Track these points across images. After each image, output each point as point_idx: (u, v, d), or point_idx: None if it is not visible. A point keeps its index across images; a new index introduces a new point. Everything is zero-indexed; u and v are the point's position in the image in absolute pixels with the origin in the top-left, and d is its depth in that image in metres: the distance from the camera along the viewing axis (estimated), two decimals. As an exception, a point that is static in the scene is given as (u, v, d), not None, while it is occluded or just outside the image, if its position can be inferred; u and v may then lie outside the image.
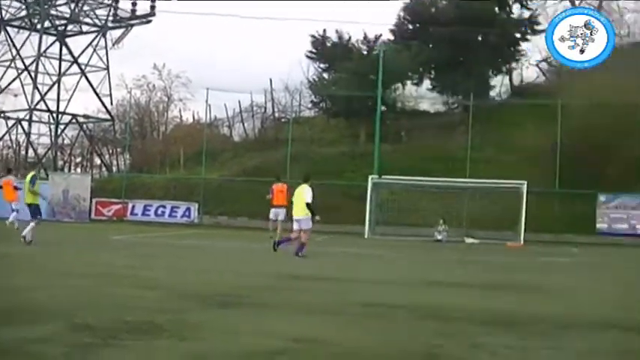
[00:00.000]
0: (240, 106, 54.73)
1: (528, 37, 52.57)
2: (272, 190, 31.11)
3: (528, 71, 70.52)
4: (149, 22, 58.78)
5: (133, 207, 45.04)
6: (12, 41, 57.87)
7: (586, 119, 42.03)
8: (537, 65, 60.17)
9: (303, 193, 21.69)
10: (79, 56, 58.82)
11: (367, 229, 36.40)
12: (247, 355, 7.08)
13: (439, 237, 36.24)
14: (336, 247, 27.53)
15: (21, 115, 58.00)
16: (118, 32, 60.03)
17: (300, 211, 21.69)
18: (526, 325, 9.57)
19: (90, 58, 58.64)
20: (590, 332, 9.27)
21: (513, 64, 53.94)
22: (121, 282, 12.94)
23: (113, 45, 59.67)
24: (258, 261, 20.67)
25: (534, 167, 43.10)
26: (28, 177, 22.64)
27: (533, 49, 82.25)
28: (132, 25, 59.47)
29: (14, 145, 60.23)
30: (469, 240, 35.99)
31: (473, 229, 38.26)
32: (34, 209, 21.96)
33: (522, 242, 35.46)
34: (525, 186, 37.23)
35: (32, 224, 21.19)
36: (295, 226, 22.04)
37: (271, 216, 30.77)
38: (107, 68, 58.79)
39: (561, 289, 14.86)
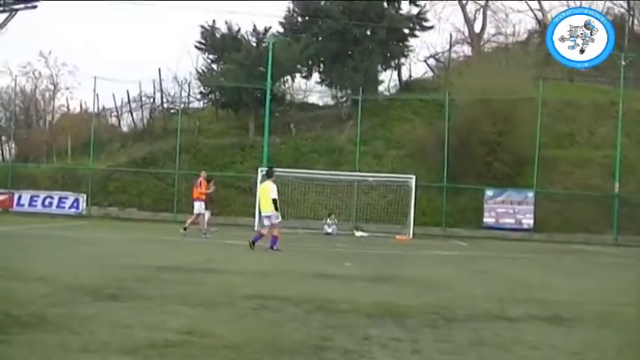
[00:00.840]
0: (128, 96, 53.98)
1: (417, 33, 53.11)
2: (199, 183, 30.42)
3: (417, 67, 71.04)
4: (35, 7, 57.20)
5: (19, 197, 44.02)
6: None
7: (473, 114, 42.86)
8: (425, 61, 61.03)
9: (270, 190, 22.29)
10: (-41, 41, 57.08)
11: (256, 221, 36.28)
12: (140, 348, 6.92)
13: (329, 230, 36.42)
14: (224, 239, 27.34)
15: None
16: (1, 17, 58.44)
17: (268, 207, 22.29)
18: (415, 317, 9.61)
19: (-28, 44, 57.06)
20: (477, 323, 9.36)
21: (402, 60, 54.41)
22: (6, 275, 12.54)
23: (-4, 30, 58.10)
24: (147, 253, 20.37)
25: (423, 162, 43.78)
26: None
27: (422, 45, 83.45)
28: (16, 10, 57.92)
29: None
30: (359, 233, 36.29)
31: (362, 222, 38.57)
32: None
33: (411, 236, 35.91)
34: (414, 180, 37.72)
35: None
36: (266, 222, 22.72)
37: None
38: (-10, 54, 57.30)
39: (449, 282, 15.02)
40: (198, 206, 29.41)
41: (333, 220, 37.02)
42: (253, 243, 22.10)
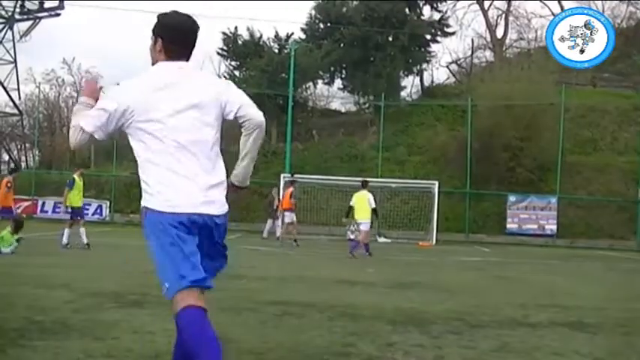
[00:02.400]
0: (151, 103, 54.10)
1: (439, 39, 53.13)
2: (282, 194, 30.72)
3: (439, 73, 70.91)
4: (58, 15, 57.65)
5: (43, 204, 44.21)
6: None
7: (495, 120, 42.74)
8: (447, 67, 61.01)
9: (367, 200, 24.27)
10: (-15, 49, 57.50)
11: (279, 228, 36.31)
12: (163, 354, 6.94)
13: (352, 236, 36.29)
14: (247, 245, 27.37)
15: None
16: (25, 25, 58.81)
17: (365, 215, 24.22)
18: (438, 323, 9.60)
19: (-4, 51, 57.38)
20: (500, 329, 9.34)
21: (424, 66, 54.39)
22: (31, 281, 12.62)
23: (21, 38, 58.45)
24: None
25: (445, 168, 43.73)
26: None
27: (444, 50, 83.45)
28: (40, 18, 58.30)
29: None
30: (381, 239, 36.17)
31: (385, 229, 38.51)
32: None
33: (434, 242, 35.81)
34: (437, 186, 37.64)
35: None
36: (363, 228, 24.45)
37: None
38: (15, 62, 57.54)
39: (472, 288, 14.99)
40: (290, 216, 29.56)
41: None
42: (352, 255, 23.52)
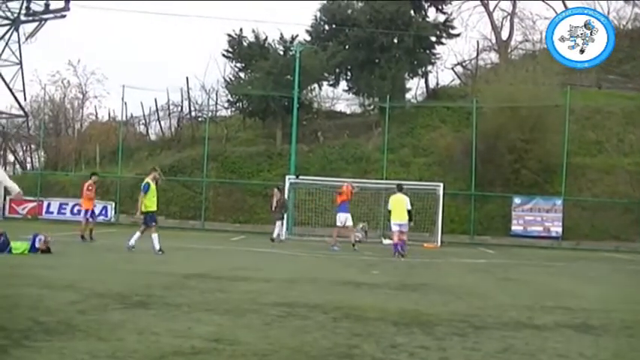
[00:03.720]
0: (156, 105, 54.19)
1: (444, 40, 53.06)
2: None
3: (444, 74, 70.70)
4: (63, 16, 57.63)
5: (49, 205, 44.32)
6: None
7: (500, 122, 42.71)
8: (452, 69, 60.95)
9: (404, 202, 25.88)
10: (-10, 50, 57.50)
11: (284, 230, 36.34)
12: (167, 355, 6.94)
13: (357, 238, 36.29)
14: (252, 247, 27.38)
15: None
16: (31, 26, 58.85)
17: (403, 217, 25.72)
18: (443, 325, 9.58)
19: (2, 52, 57.32)
20: (505, 331, 9.32)
21: (429, 68, 54.30)
22: (36, 282, 12.63)
23: (26, 39, 58.48)
24: (175, 261, 20.43)
25: (450, 169, 43.71)
26: None
27: (449, 52, 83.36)
28: (45, 20, 58.32)
29: None
30: (386, 241, 36.07)
31: (390, 231, 38.44)
32: None
33: (439, 243, 35.81)
34: (442, 188, 37.62)
35: None
36: (395, 228, 26.01)
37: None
38: (20, 63, 57.56)
39: (476, 290, 14.97)
40: (344, 217, 29.30)
41: (361, 227, 36.85)
42: (401, 255, 25.31)
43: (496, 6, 64.12)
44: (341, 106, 56.72)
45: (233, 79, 51.15)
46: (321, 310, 10.44)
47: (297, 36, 50.59)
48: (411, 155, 46.99)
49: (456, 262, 25.04)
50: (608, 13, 60.02)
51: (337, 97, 55.75)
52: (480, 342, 8.48)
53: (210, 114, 52.12)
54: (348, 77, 52.50)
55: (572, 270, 24.06)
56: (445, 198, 38.04)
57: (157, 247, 21.26)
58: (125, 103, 49.92)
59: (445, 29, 52.78)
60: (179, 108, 54.56)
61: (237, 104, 52.22)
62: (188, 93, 53.52)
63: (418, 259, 25.64)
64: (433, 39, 52.25)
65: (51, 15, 57.80)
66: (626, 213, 42.12)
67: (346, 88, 53.23)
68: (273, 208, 33.45)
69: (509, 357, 7.75)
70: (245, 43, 51.28)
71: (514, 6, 64.13)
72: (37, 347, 7.07)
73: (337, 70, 51.52)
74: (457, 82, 60.60)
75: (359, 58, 49.52)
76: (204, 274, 15.84)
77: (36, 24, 58.78)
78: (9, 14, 57.91)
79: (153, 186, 22.31)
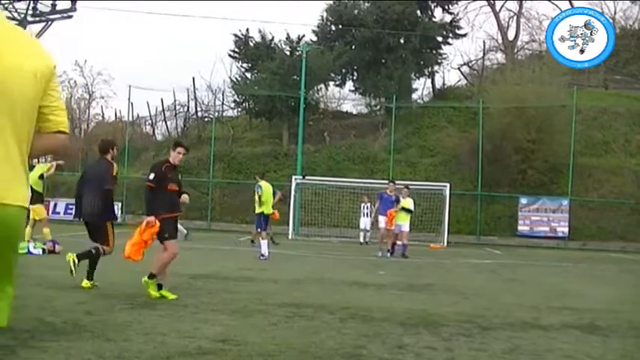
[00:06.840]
0: (162, 105, 54.19)
1: (450, 40, 53.03)
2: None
3: (450, 75, 70.67)
4: (70, 17, 57.63)
5: (55, 205, 44.32)
6: None
7: (507, 122, 42.64)
8: (459, 69, 60.91)
9: (409, 203, 26.66)
10: (-3, 51, 57.50)
11: (291, 230, 36.34)
12: (174, 356, 6.96)
13: (362, 240, 36.28)
14: (258, 247, 27.36)
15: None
16: (37, 27, 58.88)
17: (405, 218, 26.33)
18: (449, 325, 9.59)
19: (8, 53, 57.37)
20: (512, 332, 9.32)
21: (435, 68, 54.26)
22: (43, 282, 12.66)
23: (33, 39, 58.55)
24: (182, 261, 20.41)
25: (457, 170, 43.67)
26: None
27: (455, 52, 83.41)
28: (52, 20, 58.36)
29: None
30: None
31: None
32: None
33: (445, 244, 35.76)
34: (448, 188, 37.57)
35: None
36: (403, 229, 26.37)
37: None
38: (27, 64, 57.60)
39: (483, 291, 14.97)
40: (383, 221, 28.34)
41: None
42: (403, 255, 25.56)
43: (502, 6, 64.01)
44: (347, 107, 56.69)
45: (239, 79, 51.13)
46: (327, 311, 10.45)
47: (303, 36, 50.59)
48: (417, 155, 46.95)
49: (463, 263, 25.02)
50: (615, 13, 59.95)
51: (344, 97, 55.74)
52: (486, 342, 8.49)
53: (216, 114, 52.09)
54: (355, 77, 52.49)
55: (579, 270, 24.02)
56: (451, 198, 38.00)
57: (266, 252, 21.75)
58: (132, 104, 49.95)
59: (451, 29, 52.76)
60: (185, 108, 54.56)
61: (244, 104, 52.20)
62: (194, 93, 53.53)
63: (425, 259, 25.65)
64: (439, 39, 52.24)
65: (58, 15, 57.70)
66: (632, 213, 42.02)
67: (353, 88, 53.23)
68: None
69: (516, 358, 7.76)
70: (252, 44, 51.30)
71: (520, 6, 64.03)
72: (44, 347, 7.09)
73: (344, 71, 51.51)
74: (463, 82, 60.57)
75: (365, 59, 49.50)
76: (210, 274, 15.86)
77: (43, 24, 58.84)
78: (16, 15, 57.91)
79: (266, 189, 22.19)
